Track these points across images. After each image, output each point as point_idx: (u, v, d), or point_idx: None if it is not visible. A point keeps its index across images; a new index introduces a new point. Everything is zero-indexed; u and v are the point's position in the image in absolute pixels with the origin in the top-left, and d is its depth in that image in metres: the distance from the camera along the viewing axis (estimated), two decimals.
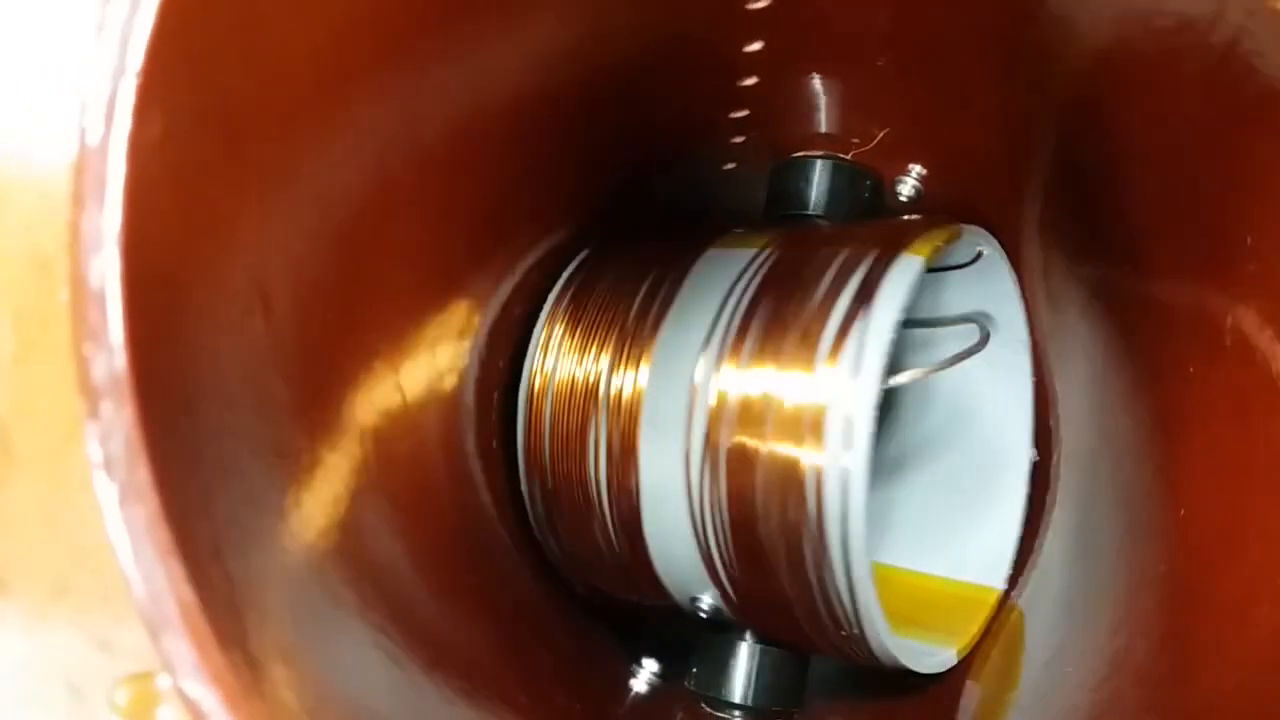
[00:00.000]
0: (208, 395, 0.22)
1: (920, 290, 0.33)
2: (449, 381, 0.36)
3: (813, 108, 0.39)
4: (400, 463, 0.32)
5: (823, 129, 0.40)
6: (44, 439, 0.48)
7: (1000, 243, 0.39)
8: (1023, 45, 0.32)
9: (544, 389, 0.40)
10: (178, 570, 0.19)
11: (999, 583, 0.39)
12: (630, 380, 0.37)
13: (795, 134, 0.40)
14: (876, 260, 0.33)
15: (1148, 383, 0.32)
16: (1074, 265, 0.36)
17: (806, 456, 0.31)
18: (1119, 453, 0.34)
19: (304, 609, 0.23)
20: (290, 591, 0.23)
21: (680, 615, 0.39)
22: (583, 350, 0.39)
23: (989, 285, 0.39)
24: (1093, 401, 0.36)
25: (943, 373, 0.41)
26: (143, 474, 0.19)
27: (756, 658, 0.40)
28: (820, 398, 0.31)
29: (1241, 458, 0.27)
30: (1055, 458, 0.39)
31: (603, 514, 0.38)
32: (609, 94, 0.35)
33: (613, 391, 0.37)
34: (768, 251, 0.36)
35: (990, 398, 0.41)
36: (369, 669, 0.26)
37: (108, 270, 0.19)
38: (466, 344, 0.37)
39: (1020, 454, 0.40)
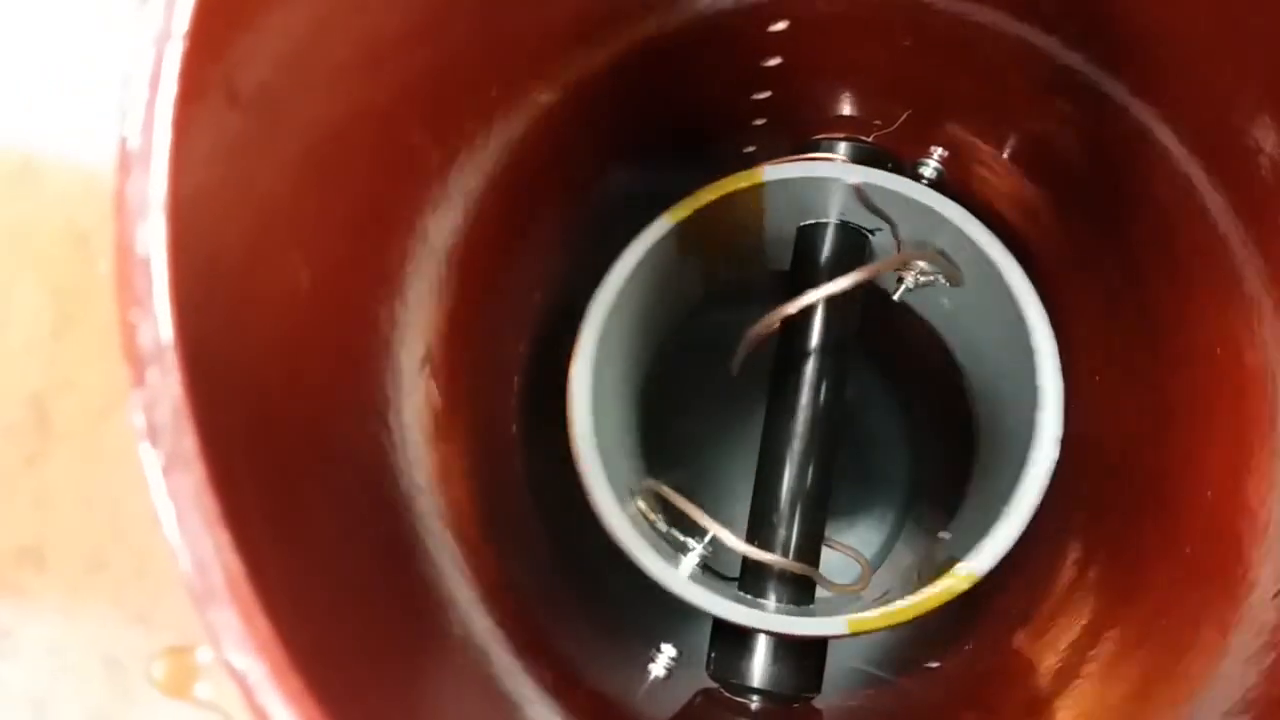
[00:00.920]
0: (247, 363, 0.22)
1: None
2: (481, 366, 0.36)
3: (836, 89, 0.39)
4: (430, 435, 0.32)
5: (845, 111, 0.39)
6: (81, 414, 0.48)
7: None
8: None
9: None
10: (225, 539, 0.18)
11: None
12: None
13: (817, 116, 0.40)
14: None
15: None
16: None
17: None
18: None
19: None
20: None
21: None
22: None
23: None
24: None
25: None
26: (189, 441, 0.19)
27: (776, 644, 0.40)
28: None
29: None
30: None
31: None
32: (636, 75, 0.35)
33: None
34: None
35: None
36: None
37: (153, 236, 0.19)
38: (498, 329, 0.37)
39: None
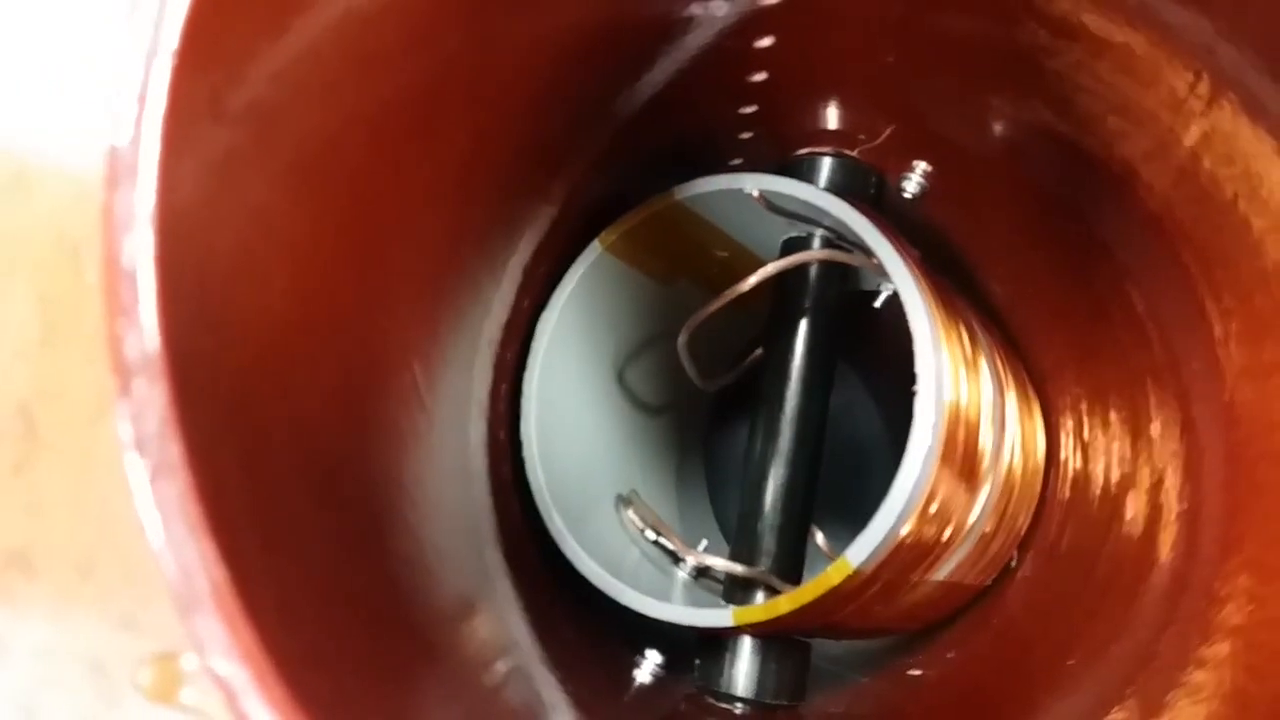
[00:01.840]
0: (236, 374, 0.22)
1: None
2: (463, 372, 0.36)
3: (821, 104, 0.39)
4: (409, 443, 0.32)
5: (830, 125, 0.40)
6: (69, 422, 0.48)
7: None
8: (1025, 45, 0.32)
9: None
10: (209, 548, 0.19)
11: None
12: None
13: (802, 130, 0.40)
14: None
15: None
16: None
17: None
18: None
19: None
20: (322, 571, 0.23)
21: None
22: None
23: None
24: None
25: None
26: (175, 451, 0.19)
27: (759, 651, 0.40)
28: None
29: None
30: None
31: None
32: (622, 87, 0.35)
33: None
34: None
35: None
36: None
37: (140, 249, 0.19)
38: (481, 334, 0.37)
39: None
